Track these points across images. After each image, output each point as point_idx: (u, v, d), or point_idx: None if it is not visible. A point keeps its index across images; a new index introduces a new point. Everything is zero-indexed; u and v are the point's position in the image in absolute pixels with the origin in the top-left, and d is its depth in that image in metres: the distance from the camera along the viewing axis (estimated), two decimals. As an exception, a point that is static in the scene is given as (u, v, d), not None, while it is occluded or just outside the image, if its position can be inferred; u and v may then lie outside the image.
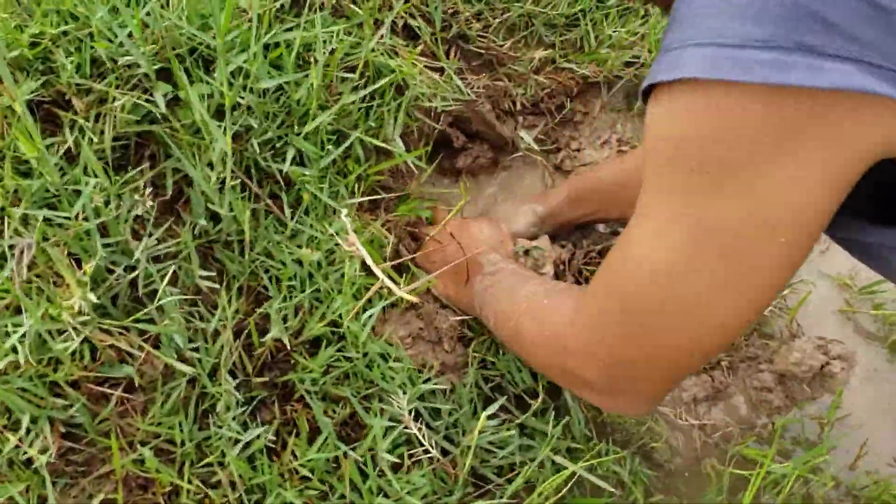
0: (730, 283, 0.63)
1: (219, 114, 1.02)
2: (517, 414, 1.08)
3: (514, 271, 1.03)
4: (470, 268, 1.07)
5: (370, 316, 0.96)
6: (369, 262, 0.90)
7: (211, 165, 0.99)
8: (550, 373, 0.86)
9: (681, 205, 0.62)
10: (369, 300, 1.02)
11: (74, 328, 0.87)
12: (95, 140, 0.96)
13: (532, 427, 1.07)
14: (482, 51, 1.33)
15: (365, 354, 1.00)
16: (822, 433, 1.15)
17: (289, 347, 0.98)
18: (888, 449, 1.15)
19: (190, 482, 0.93)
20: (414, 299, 0.82)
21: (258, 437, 0.95)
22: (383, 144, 1.12)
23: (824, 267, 1.28)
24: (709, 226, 0.61)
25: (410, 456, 0.97)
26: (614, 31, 1.39)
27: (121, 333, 0.93)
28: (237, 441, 0.94)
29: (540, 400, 1.08)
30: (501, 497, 1.01)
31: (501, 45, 1.34)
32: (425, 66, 1.24)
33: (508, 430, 1.02)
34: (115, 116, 0.97)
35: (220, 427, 0.94)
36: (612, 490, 1.01)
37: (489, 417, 1.03)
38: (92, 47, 0.97)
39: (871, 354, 1.23)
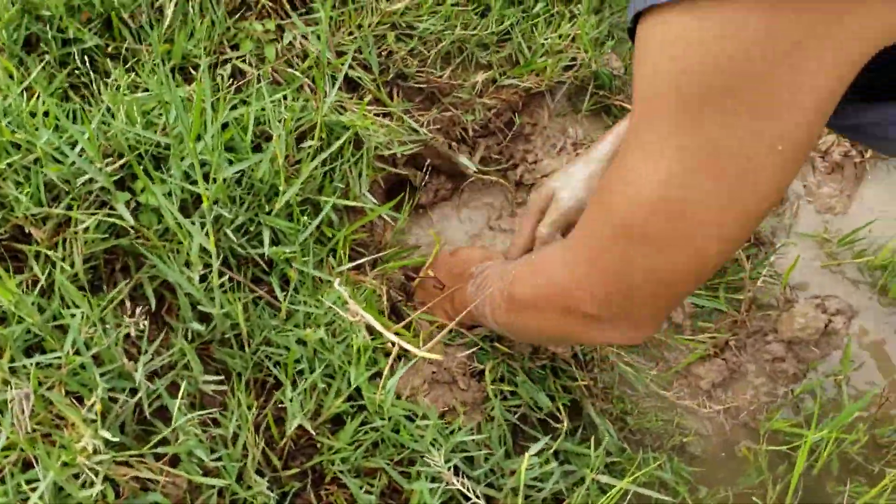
0: (731, 197, 0.61)
1: (182, 210, 0.99)
2: (548, 441, 1.07)
3: (503, 262, 1.02)
4: (463, 283, 1.06)
5: (392, 384, 0.93)
6: (379, 328, 0.87)
7: (188, 265, 0.96)
8: (553, 326, 0.83)
9: (676, 127, 0.60)
10: (380, 363, 1.00)
11: (91, 469, 0.82)
12: (67, 268, 0.91)
13: (566, 450, 1.06)
14: (423, 85, 1.32)
15: (389, 419, 0.97)
16: (841, 390, 1.17)
17: (312, 432, 0.95)
18: (905, 389, 1.17)
19: None
20: (438, 357, 0.80)
21: (302, 531, 0.91)
22: (355, 203, 1.10)
23: (799, 227, 1.30)
24: (707, 144, 0.60)
25: (460, 512, 0.95)
26: (546, 39, 1.39)
27: (138, 461, 0.88)
28: (282, 541, 0.91)
29: (566, 422, 1.07)
30: (560, 531, 0.99)
31: (440, 76, 1.33)
32: (374, 115, 1.22)
33: (548, 461, 1.00)
34: (80, 239, 0.92)
35: (262, 531, 0.90)
36: (665, 498, 1.01)
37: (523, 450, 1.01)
38: (42, 172, 0.92)
39: (864, 301, 1.25)
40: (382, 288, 1.06)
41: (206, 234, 0.91)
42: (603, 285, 0.73)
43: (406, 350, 0.86)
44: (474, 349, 1.08)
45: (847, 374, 1.17)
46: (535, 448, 0.96)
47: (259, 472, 0.95)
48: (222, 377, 0.97)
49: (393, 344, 0.87)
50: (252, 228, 1.03)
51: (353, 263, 1.01)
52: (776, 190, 0.62)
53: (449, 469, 0.93)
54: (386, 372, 0.87)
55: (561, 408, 1.06)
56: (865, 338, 1.21)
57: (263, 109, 1.05)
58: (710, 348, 1.15)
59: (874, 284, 1.27)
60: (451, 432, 1.00)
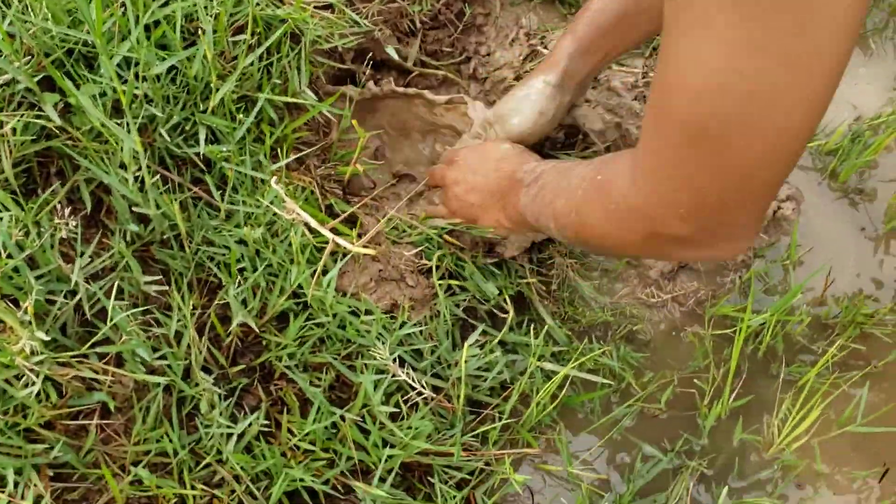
0: (795, 76, 0.58)
1: (116, 111, 0.96)
2: (494, 333, 1.08)
3: (556, 167, 0.95)
4: (510, 190, 1.01)
5: (329, 280, 0.93)
6: (315, 225, 0.87)
7: (124, 166, 0.94)
8: (636, 249, 0.79)
9: (728, 13, 0.56)
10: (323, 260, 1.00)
11: (31, 370, 0.83)
12: (-6, 171, 0.89)
13: (513, 342, 1.08)
14: (367, -24, 1.27)
15: (335, 316, 0.98)
16: (788, 274, 1.18)
17: (256, 329, 0.95)
18: (851, 271, 1.19)
19: (193, 488, 0.91)
20: (371, 253, 0.80)
21: (250, 425, 0.93)
22: (293, 100, 1.07)
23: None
24: (763, 26, 0.56)
25: (406, 402, 0.97)
26: (495, -75, 1.34)
27: (80, 362, 0.89)
28: (230, 435, 0.92)
29: (511, 313, 1.08)
30: (501, 416, 1.01)
31: (386, -34, 1.28)
32: (314, 7, 1.18)
33: (492, 351, 1.02)
34: (9, 142, 0.90)
35: (209, 426, 0.92)
36: (606, 381, 1.03)
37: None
38: (-39, 74, 0.89)
39: (814, 186, 1.25)
40: (314, 184, 1.05)
41: (132, 132, 0.89)
42: (686, 201, 0.69)
43: (344, 246, 0.86)
44: (422, 247, 1.08)
45: (795, 259, 1.18)
46: (473, 336, 0.97)
47: (206, 370, 0.96)
48: (163, 279, 0.97)
49: (328, 241, 0.87)
50: (188, 128, 1.01)
51: (288, 160, 1.00)
52: (838, 65, 0.59)
53: (394, 361, 0.94)
54: (320, 267, 0.87)
55: (507, 299, 1.07)
56: (814, 222, 1.22)
57: (195, 5, 1.02)
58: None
59: (824, 170, 1.26)
60: (400, 327, 1.01)
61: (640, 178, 0.72)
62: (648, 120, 0.70)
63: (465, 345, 0.94)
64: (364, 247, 0.83)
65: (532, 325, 1.09)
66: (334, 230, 1.00)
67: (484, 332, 1.08)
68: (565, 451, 1.02)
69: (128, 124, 0.92)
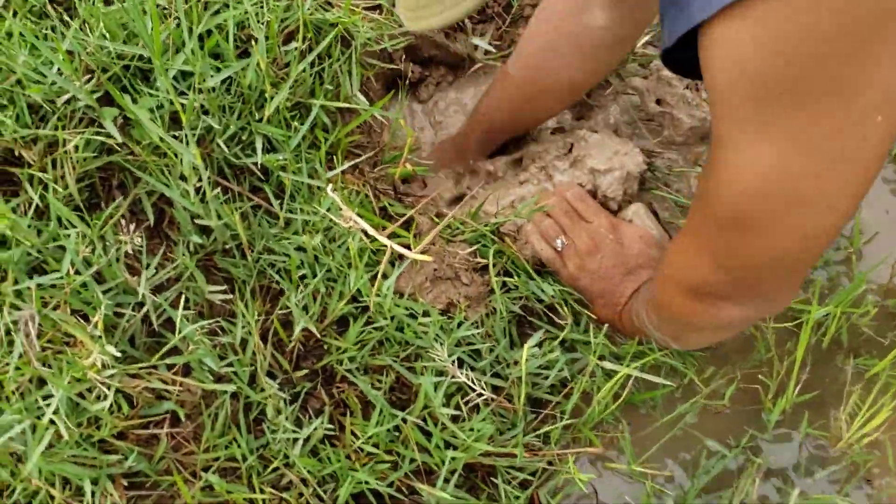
0: (831, 173, 0.61)
1: (174, 123, 0.98)
2: (554, 331, 1.08)
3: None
4: (624, 287, 1.05)
5: (388, 286, 0.94)
6: (373, 232, 0.87)
7: (184, 178, 0.96)
8: (687, 313, 0.84)
9: (771, 120, 0.60)
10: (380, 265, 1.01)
11: (103, 383, 0.85)
12: (60, 189, 0.92)
13: (572, 339, 1.07)
14: (414, -26, 1.27)
15: (392, 318, 0.99)
16: (852, 264, 1.15)
17: (317, 334, 0.97)
18: (918, 258, 1.16)
19: (262, 492, 0.93)
20: (428, 259, 0.80)
21: (315, 429, 0.94)
22: (346, 105, 1.08)
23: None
24: (797, 130, 0.59)
25: (466, 403, 0.97)
26: (541, -86, 1.33)
27: (149, 373, 0.91)
28: (296, 439, 0.94)
29: (570, 311, 1.07)
30: (562, 416, 1.01)
31: (432, -37, 1.28)
32: (363, 9, 1.18)
33: (552, 350, 1.02)
34: (71, 158, 0.93)
35: (276, 431, 0.94)
36: (668, 383, 1.02)
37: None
38: (25, 94, 0.91)
39: (878, 171, 1.22)
40: (367, 188, 1.05)
41: (191, 146, 0.90)
42: (727, 271, 0.74)
43: (401, 253, 0.87)
44: (476, 246, 1.08)
45: (858, 248, 1.15)
46: (535, 337, 0.97)
47: (270, 375, 0.98)
48: (226, 287, 0.99)
49: (386, 247, 0.87)
50: (245, 138, 1.02)
51: (342, 167, 1.00)
52: (884, 154, 0.61)
53: (453, 363, 0.95)
54: (380, 273, 0.88)
55: (562, 302, 1.07)
56: (877, 207, 1.19)
57: (246, 13, 1.03)
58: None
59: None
60: (458, 326, 1.01)
61: (687, 248, 0.78)
62: (696, 208, 0.75)
63: (527, 345, 0.94)
64: (422, 252, 0.83)
65: (590, 322, 1.08)
66: (391, 235, 1.00)
67: (543, 329, 1.08)
68: (629, 448, 1.02)
69: (186, 137, 0.93)
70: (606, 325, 1.08)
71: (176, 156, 0.94)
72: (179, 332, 0.88)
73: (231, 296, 0.97)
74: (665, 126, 1.23)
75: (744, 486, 1.02)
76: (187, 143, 0.93)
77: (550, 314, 1.09)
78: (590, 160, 1.16)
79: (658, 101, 1.23)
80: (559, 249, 1.09)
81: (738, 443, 1.05)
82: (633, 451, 1.03)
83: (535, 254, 1.11)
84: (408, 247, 1.04)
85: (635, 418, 1.06)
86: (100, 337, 0.85)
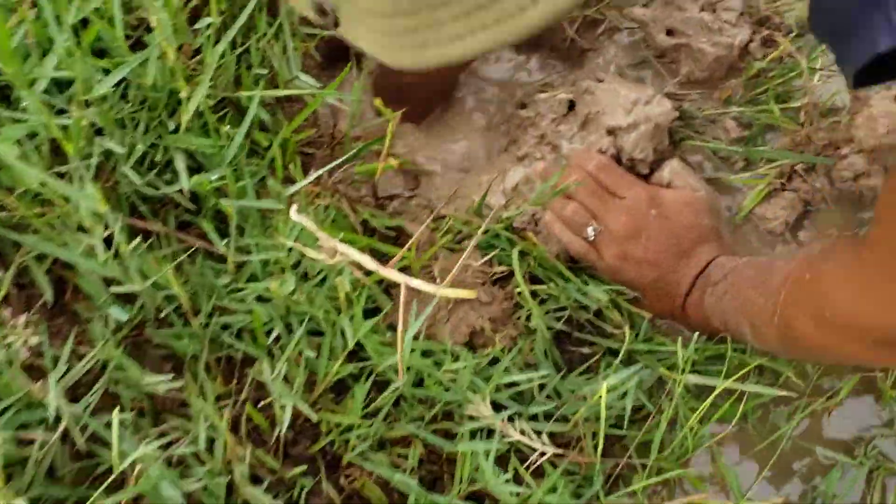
0: None
1: (56, 154, 0.69)
2: (602, 342, 0.84)
3: (750, 262, 0.81)
4: (693, 286, 0.84)
5: (408, 345, 0.68)
6: (377, 267, 0.61)
7: (83, 230, 0.67)
8: (857, 356, 0.71)
9: None
10: (378, 300, 0.75)
11: (18, 554, 0.58)
12: None
13: (631, 351, 0.83)
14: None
15: (408, 369, 0.73)
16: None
17: (312, 416, 0.70)
18: None
19: None
20: (472, 295, 0.54)
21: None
22: (289, 92, 0.80)
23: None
24: None
25: (527, 468, 0.72)
26: None
27: (85, 514, 0.64)
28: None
29: (626, 315, 0.83)
30: (645, 453, 0.78)
31: None
32: (285, -34, 0.90)
33: (614, 370, 0.78)
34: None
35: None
36: (780, 392, 0.79)
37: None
38: None
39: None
40: (340, 198, 0.79)
41: (86, 183, 0.62)
42: None
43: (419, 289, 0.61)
44: (493, 252, 0.83)
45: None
46: (614, 378, 0.72)
47: (254, 480, 0.71)
48: (171, 371, 0.71)
49: (397, 284, 0.61)
50: (159, 158, 0.74)
51: (308, 179, 0.73)
52: None
53: (502, 419, 0.70)
54: (401, 324, 0.62)
55: (610, 301, 0.83)
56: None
57: (131, -12, 0.74)
58: (773, 181, 0.91)
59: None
60: (490, 363, 0.76)
61: (870, 285, 0.62)
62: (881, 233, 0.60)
63: (606, 382, 0.69)
64: (452, 286, 0.57)
65: (646, 329, 0.85)
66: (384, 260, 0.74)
67: (591, 343, 0.84)
68: (734, 481, 0.79)
69: (77, 172, 0.65)
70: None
71: (67, 201, 0.66)
72: (120, 456, 0.61)
73: (179, 381, 0.70)
74: (682, 61, 0.99)
75: (875, 496, 0.80)
76: (81, 181, 0.65)
77: (596, 322, 0.85)
78: (605, 117, 0.91)
79: (669, 32, 0.99)
80: (591, 239, 0.85)
81: (860, 448, 0.83)
82: (738, 481, 0.80)
83: (563, 248, 0.86)
84: (405, 270, 0.78)
85: (728, 436, 0.83)
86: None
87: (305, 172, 0.83)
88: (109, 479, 0.60)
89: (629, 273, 0.85)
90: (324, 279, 0.72)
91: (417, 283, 0.60)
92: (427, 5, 0.41)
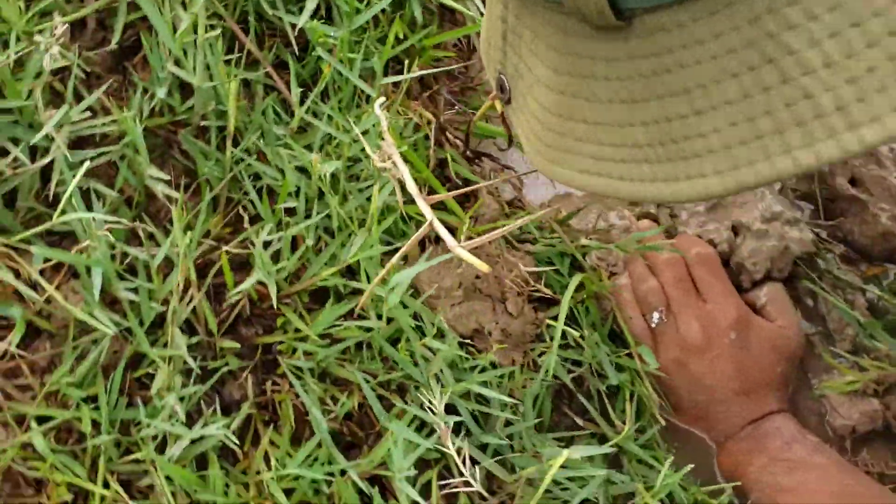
0: None
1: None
2: (602, 427, 0.74)
3: (835, 461, 0.71)
4: (747, 439, 0.75)
5: (403, 279, 0.60)
6: (414, 192, 0.54)
7: (184, 5, 0.63)
8: None
9: None
10: (404, 239, 0.68)
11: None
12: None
13: (624, 450, 0.73)
14: None
15: (389, 321, 0.66)
16: None
17: (273, 301, 0.64)
18: None
19: (106, 485, 0.61)
20: (485, 269, 0.47)
21: (210, 432, 0.62)
22: (453, 3, 0.74)
23: None
24: None
25: (442, 487, 0.64)
26: None
27: (15, 249, 0.59)
28: (176, 437, 0.61)
29: (634, 409, 0.74)
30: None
31: None
32: None
33: (591, 459, 0.68)
34: None
35: (155, 412, 0.61)
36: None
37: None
38: None
39: None
40: (433, 124, 0.72)
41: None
42: None
43: (441, 237, 0.53)
44: (547, 268, 0.74)
45: None
46: (579, 450, 0.63)
47: (188, 328, 0.65)
48: (181, 180, 0.66)
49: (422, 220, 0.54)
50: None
51: (415, 73, 0.67)
52: None
53: (446, 423, 0.62)
54: (399, 254, 0.55)
55: (629, 396, 0.73)
56: None
57: None
58: (869, 382, 0.79)
59: None
60: (472, 368, 0.68)
61: None
62: None
63: (566, 452, 0.60)
64: (472, 251, 0.50)
65: (652, 432, 0.75)
66: (438, 205, 0.67)
67: (589, 418, 0.75)
68: None
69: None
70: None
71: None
72: (64, 205, 0.56)
73: (177, 193, 0.64)
74: (848, 215, 0.87)
75: None
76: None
77: (608, 399, 0.76)
78: (737, 211, 0.81)
79: (852, 182, 0.88)
80: (654, 325, 0.76)
81: None
82: None
83: (623, 321, 0.77)
84: (455, 231, 0.71)
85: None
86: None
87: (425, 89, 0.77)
88: (45, 227, 0.55)
89: (678, 383, 0.76)
90: (368, 188, 0.65)
91: (440, 227, 0.53)
92: (572, 135, 0.42)
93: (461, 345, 0.70)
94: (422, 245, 0.71)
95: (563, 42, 0.41)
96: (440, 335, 0.68)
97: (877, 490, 0.70)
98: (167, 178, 0.64)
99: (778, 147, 0.33)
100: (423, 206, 0.53)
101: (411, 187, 0.55)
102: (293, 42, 0.68)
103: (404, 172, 0.56)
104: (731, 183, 0.34)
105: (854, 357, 0.82)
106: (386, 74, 0.71)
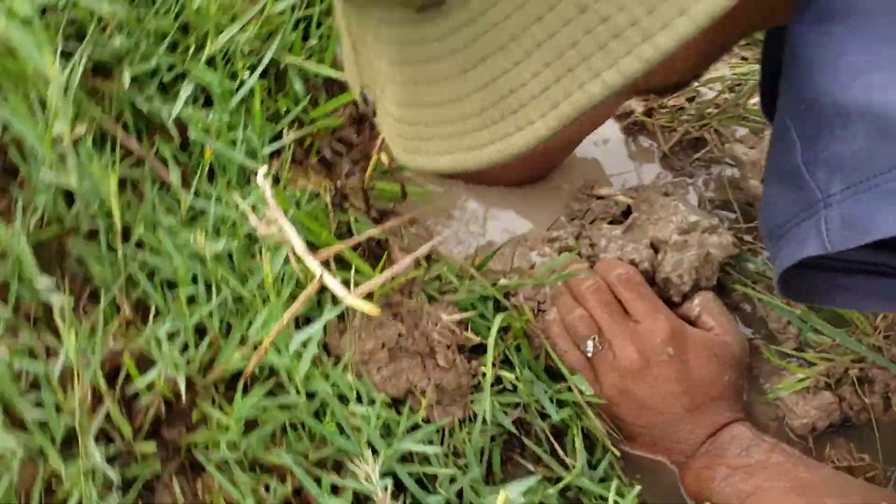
0: None
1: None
2: (555, 469, 0.71)
3: (790, 456, 0.70)
4: (702, 456, 0.72)
5: (308, 338, 0.58)
6: (300, 248, 0.53)
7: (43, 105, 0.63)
8: None
9: None
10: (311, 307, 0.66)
11: None
12: None
13: (579, 488, 0.70)
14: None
15: (311, 397, 0.63)
16: None
17: (183, 394, 0.61)
18: None
19: None
20: (374, 311, 0.45)
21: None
22: (331, 73, 0.75)
23: None
24: None
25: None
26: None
27: None
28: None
29: (579, 446, 0.71)
30: None
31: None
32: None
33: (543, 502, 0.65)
34: None
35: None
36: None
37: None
38: None
39: None
40: (330, 189, 0.71)
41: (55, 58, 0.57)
42: None
43: (336, 292, 0.52)
44: (471, 313, 0.73)
45: None
46: (525, 482, 0.60)
47: (104, 438, 0.62)
48: (75, 287, 0.64)
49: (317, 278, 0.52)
50: (169, 81, 0.70)
51: (290, 139, 0.66)
52: None
53: (385, 488, 0.59)
54: (292, 314, 0.53)
55: (576, 429, 0.71)
56: None
57: None
58: (819, 376, 0.78)
59: None
60: (410, 430, 0.66)
61: None
62: None
63: (504, 490, 0.57)
64: (365, 298, 0.48)
65: (603, 465, 0.72)
66: (339, 264, 0.66)
67: (537, 459, 0.72)
68: None
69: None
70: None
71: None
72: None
73: (67, 298, 0.62)
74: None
75: None
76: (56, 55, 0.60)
77: (556, 439, 0.73)
78: (652, 228, 0.81)
79: (763, 182, 0.88)
80: (589, 354, 0.74)
81: None
82: None
83: (557, 356, 0.75)
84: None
85: None
86: None
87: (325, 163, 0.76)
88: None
89: (624, 409, 0.73)
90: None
91: (331, 280, 0.52)
92: (421, 122, 0.46)
93: (395, 407, 0.67)
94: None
95: (396, 34, 0.44)
96: (370, 401, 0.65)
97: (837, 479, 0.68)
98: (57, 287, 0.61)
99: (587, 74, 0.36)
100: (309, 262, 0.52)
101: (298, 246, 0.54)
102: (171, 131, 0.68)
103: (290, 233, 0.54)
104: (554, 121, 0.38)
105: (801, 354, 0.81)
106: (274, 154, 0.71)
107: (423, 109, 0.46)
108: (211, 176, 0.68)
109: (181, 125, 0.68)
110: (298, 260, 0.55)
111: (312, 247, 0.66)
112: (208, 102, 0.70)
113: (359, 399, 0.64)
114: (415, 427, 0.66)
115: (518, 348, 0.73)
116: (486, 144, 0.41)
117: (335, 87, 0.79)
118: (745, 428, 0.72)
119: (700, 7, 0.34)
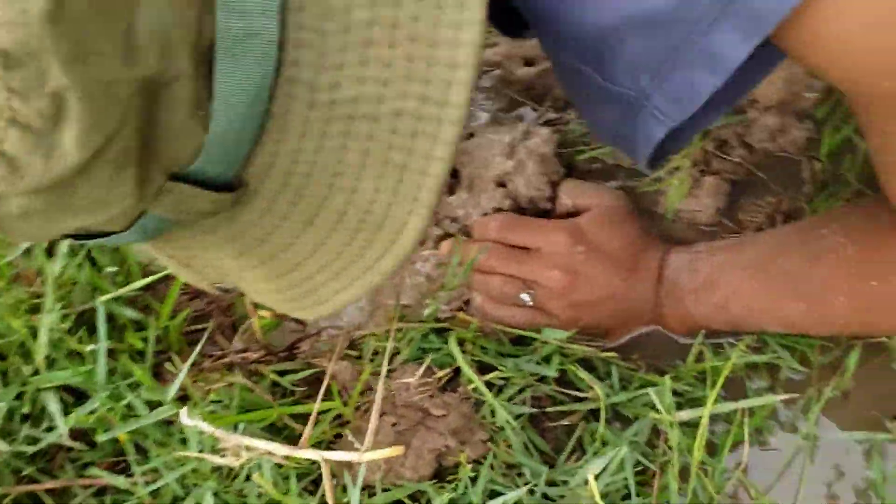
0: None
1: None
2: (579, 408, 0.75)
3: (734, 247, 0.75)
4: (665, 301, 0.77)
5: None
6: (285, 451, 0.52)
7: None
8: None
9: None
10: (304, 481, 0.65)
11: None
12: None
13: (615, 403, 0.74)
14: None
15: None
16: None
17: None
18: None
19: None
20: (398, 452, 0.46)
21: None
22: (149, 280, 0.72)
23: None
24: None
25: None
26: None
27: None
28: None
29: (590, 378, 0.74)
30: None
31: None
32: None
33: (605, 442, 0.69)
34: None
35: None
36: (785, 396, 0.70)
37: None
38: None
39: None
40: (238, 374, 0.69)
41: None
42: None
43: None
44: (427, 357, 0.74)
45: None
46: (597, 460, 0.63)
47: None
48: None
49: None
50: (27, 409, 0.65)
51: (184, 369, 0.64)
52: None
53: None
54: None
55: (574, 367, 0.74)
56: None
57: None
58: (690, 170, 0.84)
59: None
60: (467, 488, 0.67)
61: None
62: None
63: (591, 473, 0.60)
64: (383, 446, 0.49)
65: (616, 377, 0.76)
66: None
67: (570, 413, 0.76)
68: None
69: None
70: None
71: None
72: None
73: None
74: (551, 86, 0.92)
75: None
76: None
77: (565, 386, 0.76)
78: (487, 170, 0.83)
79: (528, 63, 0.93)
80: (530, 304, 0.77)
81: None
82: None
83: (506, 326, 0.77)
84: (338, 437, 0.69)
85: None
86: None
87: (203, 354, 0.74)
88: None
89: (588, 318, 0.77)
90: (245, 475, 0.63)
91: (337, 456, 0.52)
92: (305, 278, 0.48)
93: (439, 482, 0.69)
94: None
95: (223, 236, 0.46)
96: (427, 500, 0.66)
97: (777, 235, 0.74)
98: None
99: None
100: (307, 454, 0.52)
101: (281, 451, 0.53)
102: (76, 445, 0.64)
103: (266, 446, 0.54)
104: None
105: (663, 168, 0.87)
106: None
107: (298, 270, 0.46)
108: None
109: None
110: (288, 458, 0.55)
111: (274, 427, 0.65)
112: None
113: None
114: (474, 479, 0.67)
115: (483, 348, 0.75)
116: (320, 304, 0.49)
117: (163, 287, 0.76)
118: (675, 254, 0.78)
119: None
